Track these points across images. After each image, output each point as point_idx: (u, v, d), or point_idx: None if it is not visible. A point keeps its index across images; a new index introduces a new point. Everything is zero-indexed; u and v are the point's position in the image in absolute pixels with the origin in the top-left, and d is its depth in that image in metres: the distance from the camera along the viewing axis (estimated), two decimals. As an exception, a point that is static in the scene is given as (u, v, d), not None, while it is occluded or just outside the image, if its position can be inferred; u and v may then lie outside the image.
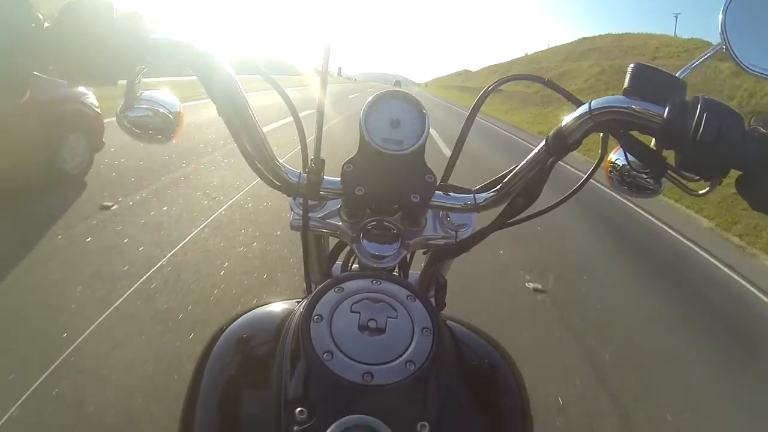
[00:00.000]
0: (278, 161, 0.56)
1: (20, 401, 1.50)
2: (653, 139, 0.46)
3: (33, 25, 0.36)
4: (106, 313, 2.00)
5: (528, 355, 2.04)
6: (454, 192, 0.60)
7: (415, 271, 0.75)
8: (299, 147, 0.56)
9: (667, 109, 0.42)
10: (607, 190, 5.29)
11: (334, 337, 0.40)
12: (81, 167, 3.60)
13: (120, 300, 2.11)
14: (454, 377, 0.46)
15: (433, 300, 0.62)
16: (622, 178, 0.53)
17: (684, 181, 0.46)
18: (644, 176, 0.52)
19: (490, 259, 3.14)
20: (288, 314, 0.52)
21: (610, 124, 0.47)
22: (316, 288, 0.46)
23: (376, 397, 0.37)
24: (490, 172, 0.61)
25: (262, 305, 0.58)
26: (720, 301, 3.35)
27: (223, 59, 0.46)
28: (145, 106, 0.48)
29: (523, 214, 0.54)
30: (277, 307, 0.57)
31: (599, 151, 0.52)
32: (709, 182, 0.43)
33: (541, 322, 2.52)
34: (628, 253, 4.02)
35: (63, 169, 3.38)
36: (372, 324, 0.41)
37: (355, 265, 0.71)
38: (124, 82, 0.45)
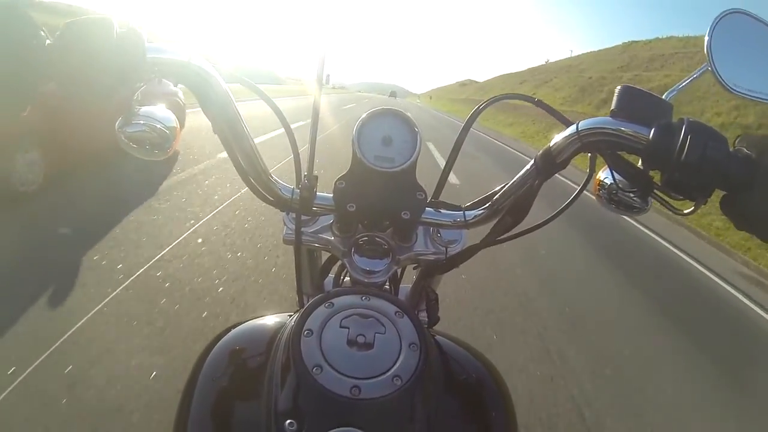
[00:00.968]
0: (272, 177, 0.56)
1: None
2: (640, 159, 0.47)
3: (36, 42, 0.37)
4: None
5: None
6: (445, 209, 0.61)
7: (406, 285, 0.76)
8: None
9: (652, 131, 0.43)
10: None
11: (324, 352, 0.41)
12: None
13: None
14: (441, 392, 0.47)
15: (425, 315, 0.62)
16: (610, 197, 0.54)
17: (670, 201, 0.46)
18: (631, 195, 0.52)
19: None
20: (279, 328, 0.52)
21: (597, 145, 0.48)
22: (308, 301, 0.46)
23: (363, 410, 0.37)
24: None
25: (253, 318, 0.58)
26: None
27: (218, 76, 0.47)
28: (142, 122, 0.49)
29: (512, 232, 0.55)
30: (269, 320, 0.57)
31: (587, 171, 0.52)
32: (694, 202, 0.44)
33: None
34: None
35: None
36: (360, 339, 0.42)
37: (347, 279, 0.72)
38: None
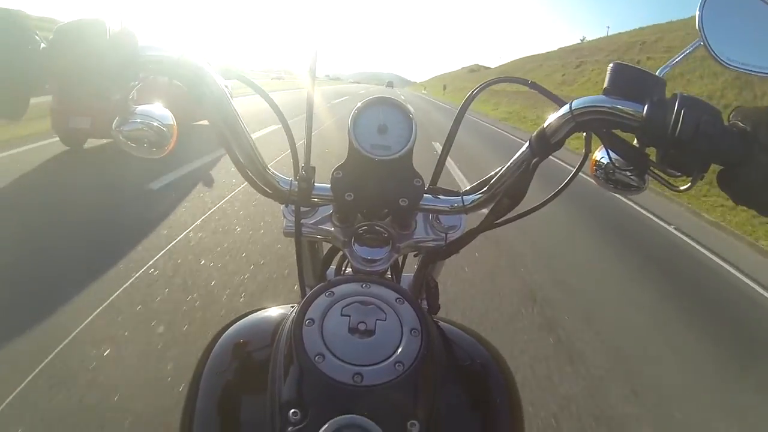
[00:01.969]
0: (269, 170, 0.57)
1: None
2: (635, 137, 0.47)
3: (30, 47, 0.38)
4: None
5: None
6: (443, 195, 0.61)
7: (408, 274, 0.76)
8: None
9: (646, 108, 0.43)
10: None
11: (326, 340, 0.41)
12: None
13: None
14: (444, 376, 0.47)
15: (425, 303, 0.62)
16: (606, 176, 0.54)
17: (666, 177, 0.47)
18: (628, 173, 0.52)
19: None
20: (282, 319, 0.53)
21: (591, 124, 0.48)
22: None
23: (366, 397, 0.38)
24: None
25: (257, 310, 0.59)
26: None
27: (212, 72, 0.47)
28: (139, 120, 0.49)
29: (511, 214, 0.55)
30: (272, 312, 0.58)
31: (583, 150, 0.52)
32: (690, 178, 0.44)
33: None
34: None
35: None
36: (362, 326, 0.43)
37: (349, 269, 0.72)
38: None
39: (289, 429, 0.37)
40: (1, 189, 3.78)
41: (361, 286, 0.47)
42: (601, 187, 0.56)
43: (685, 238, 4.55)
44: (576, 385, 2.00)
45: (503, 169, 0.57)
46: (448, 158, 0.63)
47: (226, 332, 0.55)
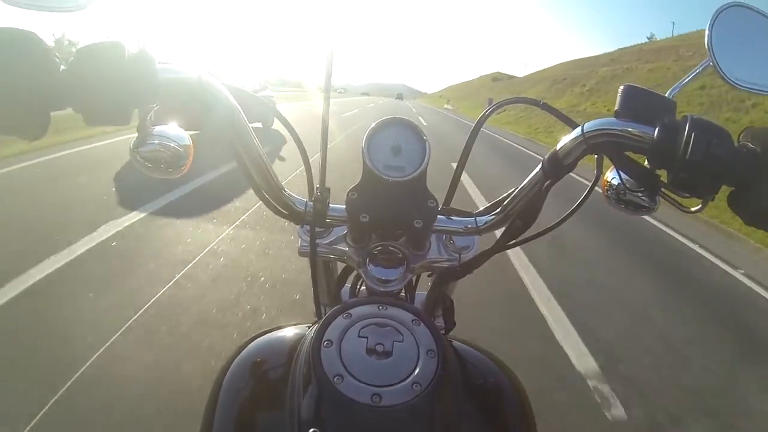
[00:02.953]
0: (285, 191, 0.58)
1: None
2: (646, 159, 0.48)
3: (50, 68, 0.38)
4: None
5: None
6: (456, 216, 0.61)
7: (421, 292, 0.76)
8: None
9: (656, 130, 0.43)
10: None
11: (344, 361, 0.42)
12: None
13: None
14: (460, 397, 0.47)
15: (441, 321, 0.63)
16: (618, 197, 0.54)
17: (677, 199, 0.47)
18: (639, 194, 0.53)
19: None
20: (299, 339, 0.53)
21: (603, 146, 0.49)
22: (325, 311, 0.47)
23: (384, 417, 0.38)
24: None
25: (273, 330, 0.59)
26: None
27: (227, 92, 0.48)
28: (156, 142, 0.49)
29: (524, 236, 0.56)
30: (288, 332, 0.58)
31: (594, 172, 0.53)
32: (701, 199, 0.44)
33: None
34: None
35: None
36: (379, 348, 0.43)
37: (363, 288, 0.73)
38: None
39: None
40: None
41: (378, 308, 0.48)
42: (612, 207, 0.56)
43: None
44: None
45: (516, 190, 0.58)
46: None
47: (243, 352, 0.56)
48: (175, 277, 2.62)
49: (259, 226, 3.58)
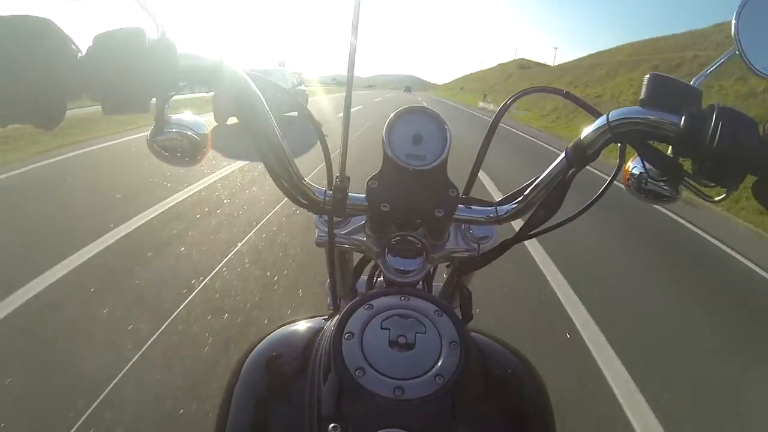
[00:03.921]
0: (304, 180, 0.57)
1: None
2: (669, 147, 0.47)
3: (67, 56, 0.37)
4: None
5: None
6: (477, 205, 0.60)
7: (438, 283, 0.76)
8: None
9: (683, 119, 0.43)
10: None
11: (366, 354, 0.41)
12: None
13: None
14: (481, 389, 0.47)
15: (458, 312, 0.62)
16: (640, 186, 0.54)
17: (701, 188, 0.46)
18: (662, 184, 0.52)
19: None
20: (316, 332, 0.53)
21: (627, 135, 0.48)
22: (341, 303, 0.46)
23: (407, 410, 0.38)
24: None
25: (289, 323, 0.58)
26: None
27: (249, 79, 0.47)
28: (174, 130, 0.49)
29: (545, 225, 0.55)
30: (304, 324, 0.57)
31: (617, 160, 0.52)
32: (725, 189, 0.44)
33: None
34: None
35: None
36: (402, 340, 0.42)
37: (380, 279, 0.72)
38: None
39: None
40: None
41: (400, 298, 0.47)
42: (633, 196, 0.55)
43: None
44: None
45: (538, 179, 0.57)
46: None
47: (259, 345, 0.55)
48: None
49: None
